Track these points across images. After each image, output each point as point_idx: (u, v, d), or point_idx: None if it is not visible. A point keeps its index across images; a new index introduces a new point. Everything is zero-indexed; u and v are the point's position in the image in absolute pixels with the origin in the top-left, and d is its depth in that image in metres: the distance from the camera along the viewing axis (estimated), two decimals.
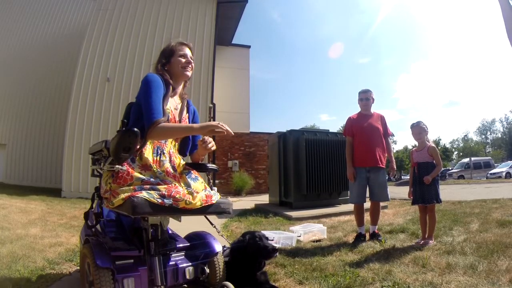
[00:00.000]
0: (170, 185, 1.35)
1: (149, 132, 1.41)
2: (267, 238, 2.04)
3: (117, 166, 1.34)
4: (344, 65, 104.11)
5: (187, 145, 1.74)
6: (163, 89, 1.56)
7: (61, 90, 11.66)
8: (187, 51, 1.70)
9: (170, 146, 1.60)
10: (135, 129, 1.26)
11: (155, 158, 1.50)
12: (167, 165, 1.50)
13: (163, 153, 1.54)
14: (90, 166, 1.66)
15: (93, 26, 9.19)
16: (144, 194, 1.25)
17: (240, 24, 14.14)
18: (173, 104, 1.64)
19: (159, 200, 1.26)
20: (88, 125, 8.70)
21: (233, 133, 1.39)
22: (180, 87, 1.72)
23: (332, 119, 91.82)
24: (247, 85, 15.35)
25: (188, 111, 1.76)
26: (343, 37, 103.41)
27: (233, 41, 14.61)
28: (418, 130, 3.21)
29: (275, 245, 2.05)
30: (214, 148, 1.65)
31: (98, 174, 1.58)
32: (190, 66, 1.68)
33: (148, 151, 1.49)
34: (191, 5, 10.07)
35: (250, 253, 1.91)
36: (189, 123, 1.73)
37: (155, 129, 1.41)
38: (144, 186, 1.30)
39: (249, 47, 15.80)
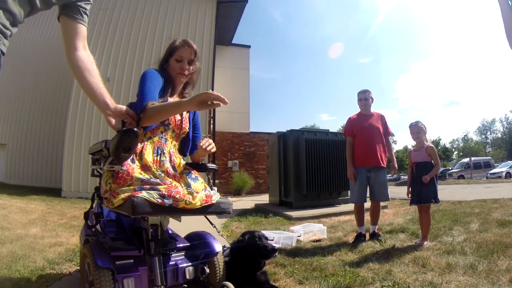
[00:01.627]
0: (170, 185, 1.34)
1: (142, 117, 1.37)
2: (266, 238, 2.04)
3: (117, 166, 1.34)
4: (345, 65, 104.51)
5: (187, 145, 1.75)
6: (160, 81, 1.57)
7: (61, 90, 11.65)
8: (188, 53, 1.66)
9: (170, 146, 1.60)
10: (135, 129, 1.26)
11: (155, 158, 1.50)
12: (167, 165, 1.50)
13: (163, 153, 1.54)
14: (90, 166, 1.66)
15: (93, 26, 9.19)
16: (144, 194, 1.25)
17: (240, 24, 14.15)
18: None
19: (159, 200, 1.26)
20: (88, 125, 8.70)
21: (228, 101, 1.24)
22: (180, 86, 1.71)
23: (332, 119, 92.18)
24: (247, 85, 15.35)
25: (188, 111, 1.75)
26: (344, 37, 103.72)
27: (233, 41, 14.61)
28: (417, 129, 3.21)
29: (274, 245, 2.05)
30: (214, 150, 1.64)
31: (98, 174, 1.58)
32: (185, 72, 1.65)
33: (148, 151, 1.49)
34: (191, 5, 10.06)
35: (250, 253, 1.91)
36: (189, 122, 1.73)
37: (146, 111, 1.37)
38: (144, 186, 1.30)
39: (249, 47, 15.80)
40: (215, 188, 1.61)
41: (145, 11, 9.68)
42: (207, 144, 1.62)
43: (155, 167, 1.45)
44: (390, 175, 3.67)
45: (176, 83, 1.68)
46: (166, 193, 1.28)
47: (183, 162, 1.62)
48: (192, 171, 1.59)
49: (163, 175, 1.42)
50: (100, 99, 1.30)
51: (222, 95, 1.25)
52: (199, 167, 1.75)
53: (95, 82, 1.30)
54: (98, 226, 1.64)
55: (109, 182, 1.37)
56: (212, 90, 9.67)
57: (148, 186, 1.30)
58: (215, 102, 1.25)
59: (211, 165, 1.84)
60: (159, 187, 1.31)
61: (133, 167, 1.39)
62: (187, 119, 1.71)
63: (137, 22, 9.56)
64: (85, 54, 1.30)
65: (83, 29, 1.31)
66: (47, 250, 2.79)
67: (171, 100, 1.64)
